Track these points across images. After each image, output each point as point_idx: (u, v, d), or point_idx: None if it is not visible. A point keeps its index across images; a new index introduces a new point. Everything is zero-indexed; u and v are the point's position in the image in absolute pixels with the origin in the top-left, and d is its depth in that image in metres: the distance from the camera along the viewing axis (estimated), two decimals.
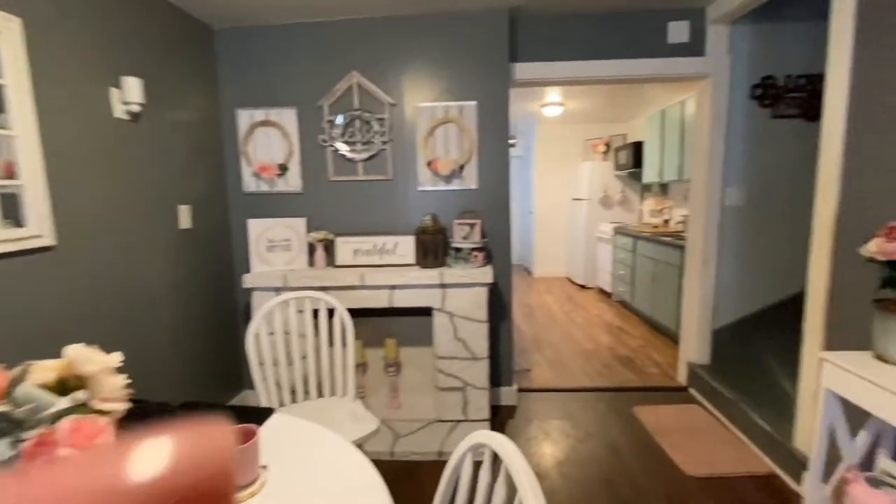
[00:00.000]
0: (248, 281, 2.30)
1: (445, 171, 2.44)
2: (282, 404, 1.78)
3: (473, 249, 2.34)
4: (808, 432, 1.83)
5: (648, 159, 4.77)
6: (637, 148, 5.04)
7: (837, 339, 1.68)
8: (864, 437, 1.45)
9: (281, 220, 2.47)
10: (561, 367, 3.22)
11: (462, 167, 2.47)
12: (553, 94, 4.49)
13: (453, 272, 2.25)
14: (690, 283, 2.85)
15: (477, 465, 0.80)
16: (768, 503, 1.82)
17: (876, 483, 1.39)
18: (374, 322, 2.53)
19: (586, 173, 5.64)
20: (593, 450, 2.21)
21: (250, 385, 2.63)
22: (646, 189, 5.46)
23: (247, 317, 2.63)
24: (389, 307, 2.31)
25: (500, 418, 2.54)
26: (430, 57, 2.42)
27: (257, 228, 2.43)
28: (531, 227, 6.67)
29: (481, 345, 2.31)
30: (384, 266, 2.44)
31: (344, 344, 1.82)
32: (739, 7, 2.25)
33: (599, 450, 2.20)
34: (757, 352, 2.75)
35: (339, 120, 2.47)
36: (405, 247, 2.45)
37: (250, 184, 2.57)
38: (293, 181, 2.54)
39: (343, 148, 2.49)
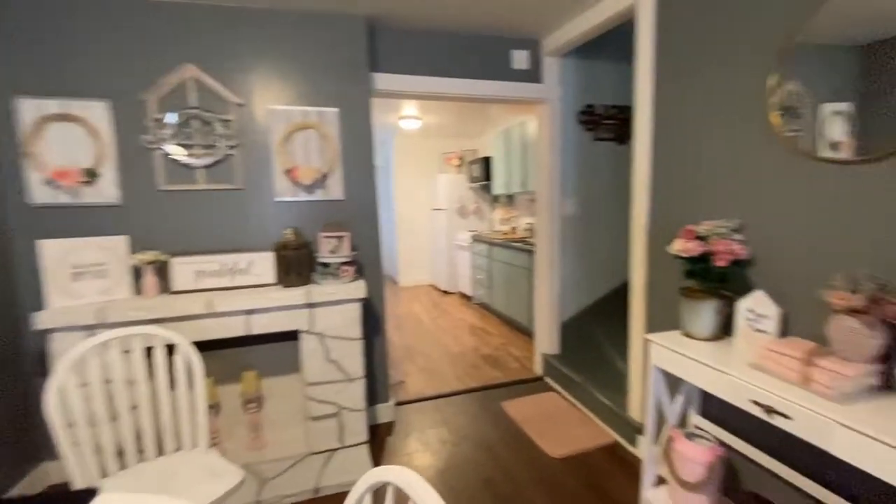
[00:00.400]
0: (42, 320, 1.75)
1: (307, 181, 2.26)
2: (105, 475, 1.39)
3: (343, 263, 2.21)
4: (638, 402, 2.20)
5: (497, 173, 5.24)
6: (487, 162, 5.49)
7: (655, 322, 2.05)
8: (679, 401, 1.79)
9: (91, 240, 1.97)
10: (433, 374, 3.28)
11: (325, 176, 2.32)
12: (410, 107, 4.60)
13: (322, 289, 2.08)
14: (540, 282, 3.19)
15: None
16: (615, 468, 2.11)
17: (690, 436, 1.72)
18: (227, 354, 2.19)
19: (443, 185, 5.92)
20: (470, 452, 2.28)
21: (53, 455, 2.02)
22: (495, 200, 5.98)
23: (43, 367, 2.01)
24: (247, 335, 2.03)
25: (378, 437, 2.44)
26: (285, 57, 2.22)
27: (55, 251, 1.88)
28: (394, 237, 6.70)
29: (356, 364, 2.19)
30: (238, 288, 2.13)
31: (190, 385, 1.52)
32: (565, 45, 2.63)
33: (476, 451, 2.28)
34: (596, 338, 3.22)
35: (171, 119, 2.08)
36: (263, 265, 2.19)
37: (41, 194, 1.98)
38: (107, 190, 2.05)
39: (177, 152, 2.10)
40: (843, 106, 1.32)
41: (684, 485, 1.65)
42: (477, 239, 5.19)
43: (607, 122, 3.13)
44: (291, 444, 2.24)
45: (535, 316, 3.30)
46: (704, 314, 1.61)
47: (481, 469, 2.14)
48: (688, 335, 1.67)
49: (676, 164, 1.88)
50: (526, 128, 4.36)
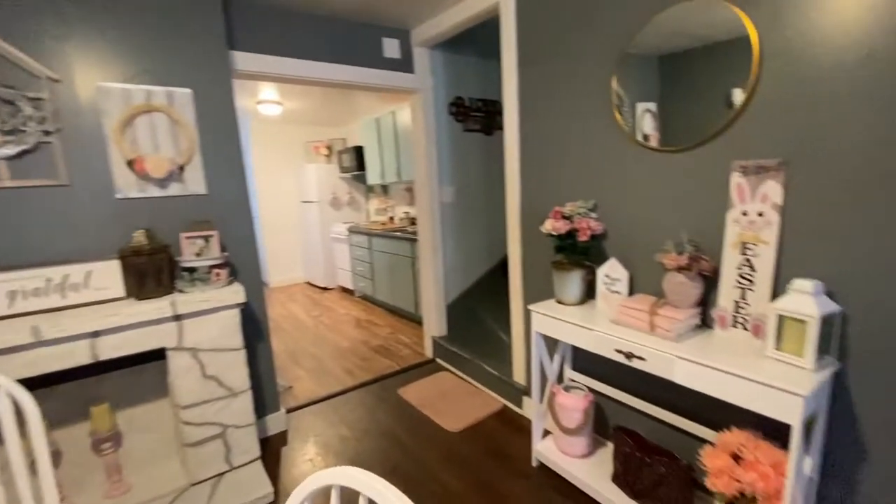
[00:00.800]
0: None
1: (159, 173, 1.93)
2: None
3: (213, 267, 1.97)
4: (522, 368, 2.45)
5: (370, 163, 5.17)
6: (359, 151, 5.37)
7: (532, 294, 2.29)
8: (557, 359, 2.05)
9: None
10: (323, 374, 3.14)
11: (182, 168, 2.01)
12: (269, 90, 4.22)
13: (190, 298, 1.82)
14: (424, 268, 3.29)
15: None
16: (508, 431, 2.33)
17: (568, 389, 1.99)
18: (69, 389, 1.78)
19: (313, 175, 5.61)
20: (373, 444, 2.27)
21: None
22: (370, 190, 5.91)
23: None
24: (95, 362, 1.67)
25: (272, 450, 2.26)
26: (117, 25, 1.84)
27: None
28: (258, 234, 6.13)
29: (240, 376, 1.98)
30: (75, 307, 1.74)
31: (22, 434, 1.21)
32: (435, 36, 2.71)
33: (379, 441, 2.29)
34: (479, 315, 3.46)
35: None
36: (105, 276, 1.82)
37: None
38: None
39: None
40: (651, 105, 1.65)
41: (566, 431, 1.91)
42: (354, 230, 5.07)
43: (475, 115, 3.34)
44: (165, 480, 1.94)
45: (422, 302, 3.39)
46: (573, 283, 1.86)
47: (387, 458, 2.15)
48: (560, 302, 1.91)
49: (543, 153, 2.11)
50: (398, 117, 4.38)
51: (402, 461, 2.12)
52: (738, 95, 1.39)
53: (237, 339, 1.96)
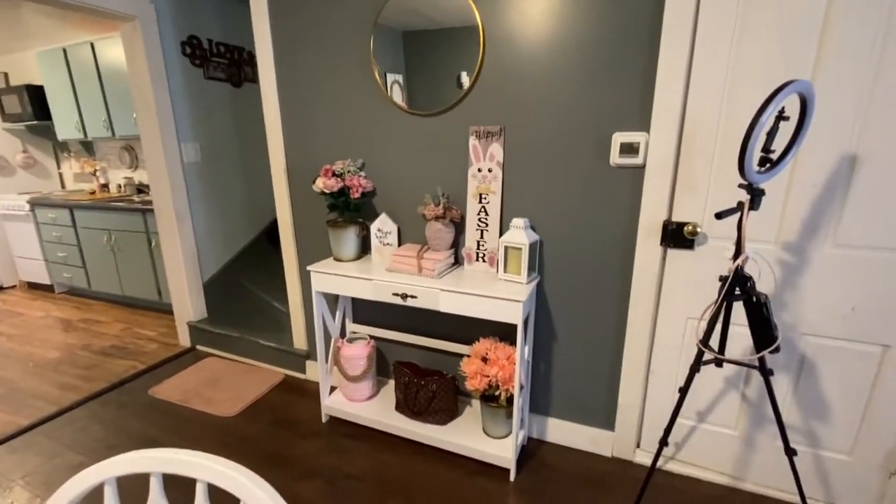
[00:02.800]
0: None
1: None
2: None
3: None
4: (302, 333, 2.41)
5: (59, 111, 3.81)
6: (38, 94, 3.88)
7: (308, 256, 2.25)
8: (338, 316, 2.12)
9: None
10: (18, 400, 2.30)
11: None
12: None
13: None
14: (168, 243, 2.75)
15: None
16: (293, 398, 2.28)
17: (351, 340, 2.09)
18: None
19: None
20: None
21: None
22: (63, 148, 4.39)
23: None
24: None
25: None
26: None
27: None
28: None
29: None
30: None
31: None
32: None
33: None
34: (246, 289, 3.15)
35: None
36: None
37: None
38: None
39: None
40: (399, 77, 1.83)
41: (352, 379, 2.03)
42: (41, 203, 3.72)
43: (217, 60, 2.89)
44: None
45: (169, 284, 2.85)
46: (348, 239, 1.93)
47: None
48: (338, 259, 1.96)
49: (306, 111, 2.04)
50: (101, 51, 3.34)
51: None
52: (466, 79, 1.69)
53: None
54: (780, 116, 1.07)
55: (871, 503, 1.49)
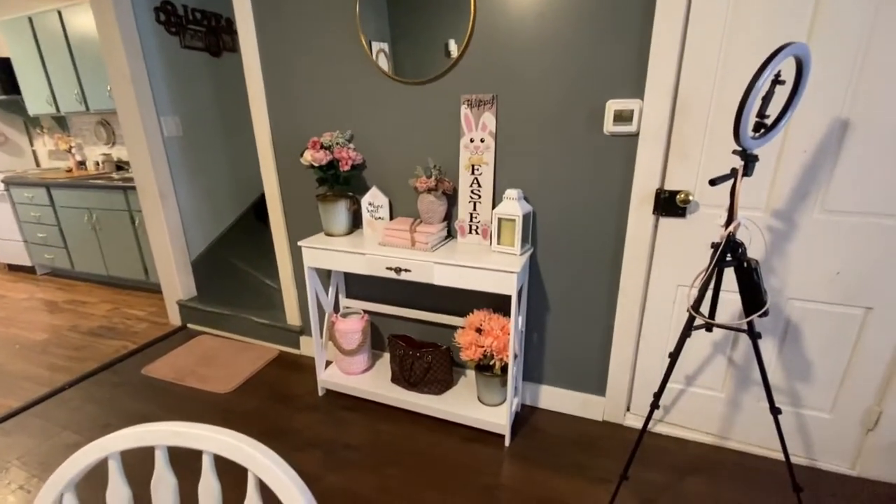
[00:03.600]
0: None
1: None
2: None
3: None
4: (295, 308, 2.41)
5: (28, 84, 3.63)
6: (5, 67, 3.68)
7: (298, 231, 2.22)
8: (332, 291, 2.11)
9: None
10: (6, 382, 2.27)
11: None
12: None
13: None
14: (153, 222, 2.68)
15: None
16: (289, 373, 2.29)
17: (345, 315, 2.09)
18: None
19: None
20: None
21: None
22: (34, 124, 4.20)
23: None
24: None
25: None
26: None
27: None
28: None
29: None
30: None
31: None
32: None
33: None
34: (235, 266, 3.11)
35: None
36: None
37: None
38: None
39: None
40: (385, 46, 1.77)
41: (347, 353, 2.04)
42: (16, 182, 3.59)
43: (194, 28, 2.76)
44: None
45: (156, 263, 2.79)
46: (339, 213, 1.90)
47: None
48: (329, 234, 1.94)
49: (290, 81, 1.97)
50: (69, 19, 3.16)
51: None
52: (454, 47, 1.64)
53: None
54: (776, 80, 1.06)
55: (849, 457, 1.57)
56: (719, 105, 1.41)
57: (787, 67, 1.22)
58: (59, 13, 3.17)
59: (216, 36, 2.91)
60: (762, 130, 1.13)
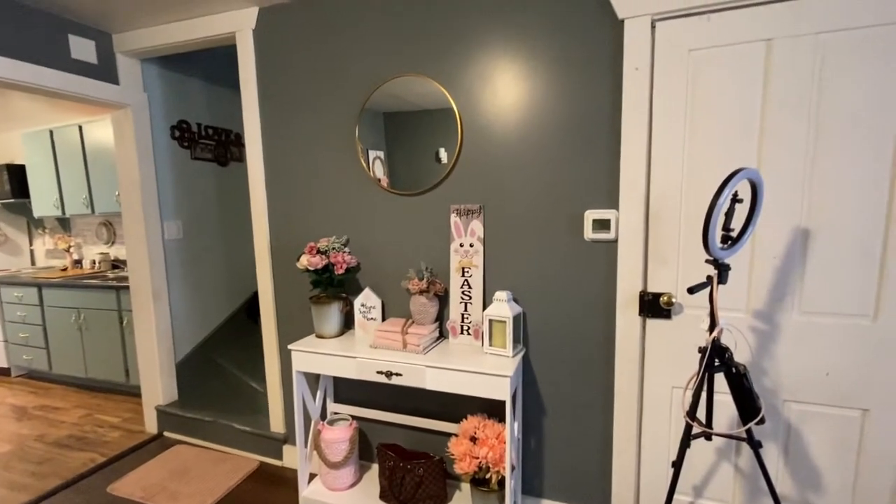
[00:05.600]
0: None
1: None
2: None
3: None
4: (280, 415, 2.30)
5: (39, 189, 3.81)
6: (17, 172, 3.89)
7: (289, 334, 2.21)
8: (319, 395, 2.04)
9: None
10: None
11: None
12: None
13: None
14: (142, 322, 2.66)
15: None
16: (268, 487, 2.12)
17: (332, 422, 2.00)
18: None
19: None
20: None
21: None
22: (37, 225, 4.32)
23: None
24: None
25: None
26: None
27: None
28: None
29: None
30: None
31: None
32: (148, 50, 2.33)
33: None
34: (221, 369, 3.02)
35: None
36: None
37: None
38: None
39: None
40: (381, 154, 1.94)
41: (333, 465, 1.91)
42: (8, 282, 3.59)
43: (204, 142, 3.00)
44: None
45: (139, 365, 2.71)
46: (332, 315, 1.92)
47: None
48: (321, 336, 1.93)
49: (291, 190, 2.11)
50: (88, 133, 3.43)
51: None
52: (444, 154, 1.81)
53: None
54: (735, 199, 1.17)
55: None
56: (688, 215, 1.53)
57: (743, 187, 1.36)
58: (80, 127, 3.45)
59: (225, 148, 3.16)
60: (729, 242, 1.22)
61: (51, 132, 3.60)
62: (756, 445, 1.22)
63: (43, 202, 3.80)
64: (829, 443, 1.45)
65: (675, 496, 1.66)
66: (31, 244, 4.39)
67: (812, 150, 1.37)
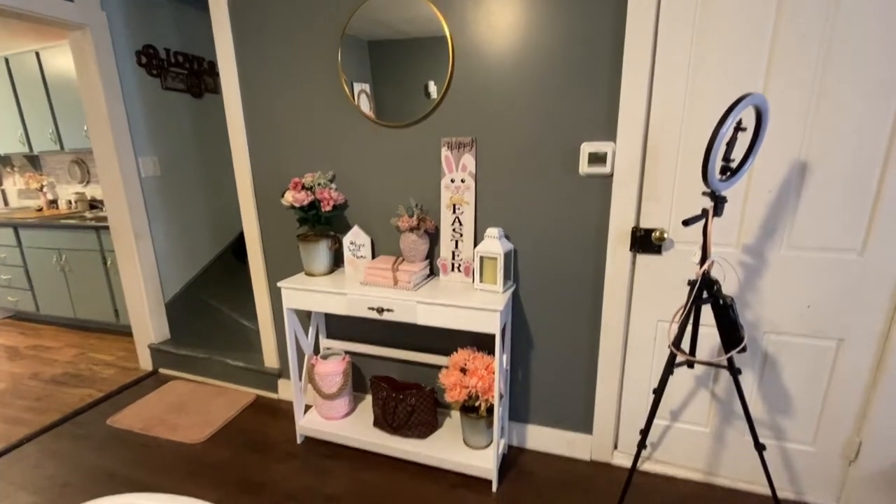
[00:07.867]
0: None
1: None
2: None
3: None
4: (273, 351, 2.33)
5: (1, 123, 3.57)
6: None
7: (277, 272, 2.19)
8: (311, 332, 2.06)
9: None
10: None
11: None
12: None
13: None
14: (126, 263, 2.61)
15: None
16: (265, 418, 2.20)
17: (325, 356, 2.04)
18: None
19: None
20: (84, 497, 1.73)
21: None
22: (5, 163, 4.10)
23: None
24: None
25: None
26: None
27: None
28: None
29: None
30: None
31: None
32: None
33: (92, 490, 1.75)
34: (211, 308, 3.02)
35: None
36: None
37: None
38: None
39: None
40: (366, 87, 1.81)
41: (328, 396, 1.97)
42: None
43: (175, 70, 2.78)
44: None
45: (127, 305, 2.69)
46: (320, 253, 1.89)
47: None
48: (310, 274, 1.91)
49: (272, 123, 1.99)
50: (47, 60, 3.16)
51: None
52: (433, 88, 1.69)
53: None
54: (738, 127, 1.12)
55: (834, 490, 1.58)
56: (686, 150, 1.48)
57: (747, 115, 1.30)
58: (37, 54, 3.17)
59: (198, 78, 2.94)
60: (728, 173, 1.18)
61: (6, 60, 3.31)
62: (736, 372, 1.26)
63: (7, 138, 3.58)
64: (803, 371, 1.52)
65: (654, 421, 1.76)
66: (0, 183, 4.19)
67: (818, 86, 1.30)
